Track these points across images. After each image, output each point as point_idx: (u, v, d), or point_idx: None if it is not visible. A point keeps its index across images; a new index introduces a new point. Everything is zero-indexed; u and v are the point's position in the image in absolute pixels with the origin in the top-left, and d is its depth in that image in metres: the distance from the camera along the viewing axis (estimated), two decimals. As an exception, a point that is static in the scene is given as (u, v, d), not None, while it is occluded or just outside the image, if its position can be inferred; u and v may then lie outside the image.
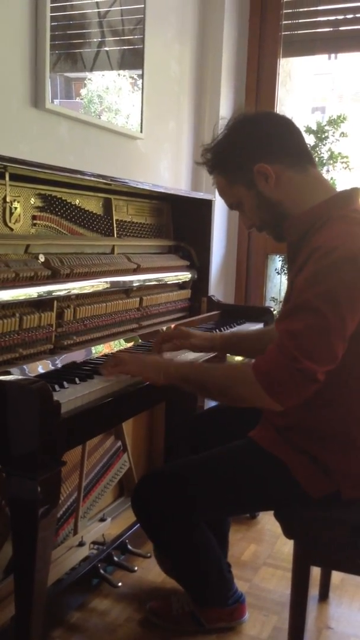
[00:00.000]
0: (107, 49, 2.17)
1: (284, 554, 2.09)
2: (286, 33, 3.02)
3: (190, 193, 2.49)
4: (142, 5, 2.34)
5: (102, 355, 1.67)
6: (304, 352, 1.23)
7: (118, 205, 2.02)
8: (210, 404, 2.36)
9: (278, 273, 3.26)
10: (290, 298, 1.38)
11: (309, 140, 2.91)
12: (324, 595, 1.87)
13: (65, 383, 1.33)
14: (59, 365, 1.51)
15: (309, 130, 2.93)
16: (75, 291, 1.64)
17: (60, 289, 1.57)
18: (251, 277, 3.22)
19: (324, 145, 2.96)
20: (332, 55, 3.52)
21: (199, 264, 2.36)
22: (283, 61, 3.08)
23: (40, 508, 1.14)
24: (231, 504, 1.48)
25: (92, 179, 1.70)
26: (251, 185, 1.40)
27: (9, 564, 1.56)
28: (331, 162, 2.95)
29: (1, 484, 1.37)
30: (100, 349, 1.70)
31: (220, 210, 2.87)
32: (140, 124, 2.39)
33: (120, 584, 1.77)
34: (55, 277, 1.56)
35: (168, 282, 2.18)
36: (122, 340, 1.81)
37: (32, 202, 1.63)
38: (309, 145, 1.48)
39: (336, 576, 1.93)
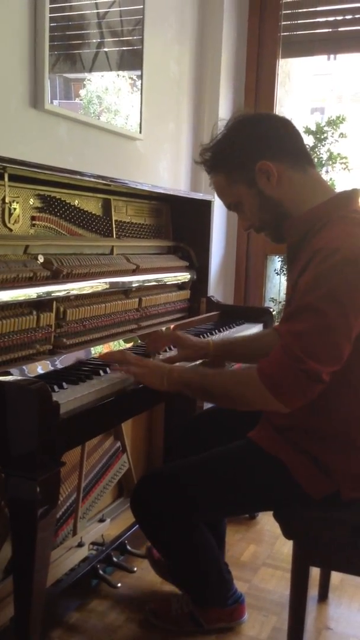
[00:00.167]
0: (106, 49, 2.17)
1: (284, 554, 2.09)
2: (285, 34, 3.03)
3: (189, 194, 2.49)
4: (141, 6, 2.34)
5: (101, 357, 1.68)
6: (308, 352, 1.22)
7: (117, 205, 2.02)
8: (209, 404, 2.36)
9: (277, 274, 3.26)
10: (291, 300, 1.38)
11: (308, 140, 2.91)
12: (323, 596, 1.87)
13: (64, 384, 1.33)
14: (59, 366, 1.51)
15: (308, 131, 2.93)
16: (75, 292, 1.64)
17: (59, 289, 1.57)
18: (250, 277, 3.22)
19: (323, 146, 2.96)
20: (331, 56, 3.52)
21: (198, 264, 2.37)
22: (282, 62, 3.08)
23: (39, 508, 1.14)
24: (230, 504, 1.48)
25: (92, 179, 1.70)
26: (252, 183, 1.40)
27: (8, 565, 1.56)
28: (330, 162, 2.95)
29: (0, 485, 1.37)
30: (99, 350, 1.70)
31: (219, 211, 2.87)
32: (140, 124, 2.39)
33: (119, 584, 1.77)
34: (54, 277, 1.56)
35: (167, 283, 2.18)
36: (121, 341, 1.81)
37: (31, 203, 1.63)
38: (307, 146, 1.48)
39: (335, 577, 1.93)
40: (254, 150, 1.39)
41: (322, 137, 2.94)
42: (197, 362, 1.71)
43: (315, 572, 1.70)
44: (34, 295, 1.48)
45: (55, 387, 1.30)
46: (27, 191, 1.61)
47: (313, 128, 2.95)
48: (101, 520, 1.93)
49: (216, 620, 1.67)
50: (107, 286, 1.78)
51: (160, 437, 2.38)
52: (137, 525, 1.84)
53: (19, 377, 1.31)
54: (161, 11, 2.51)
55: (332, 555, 1.39)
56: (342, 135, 2.93)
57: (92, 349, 1.68)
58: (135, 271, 1.95)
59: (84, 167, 1.83)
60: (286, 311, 1.36)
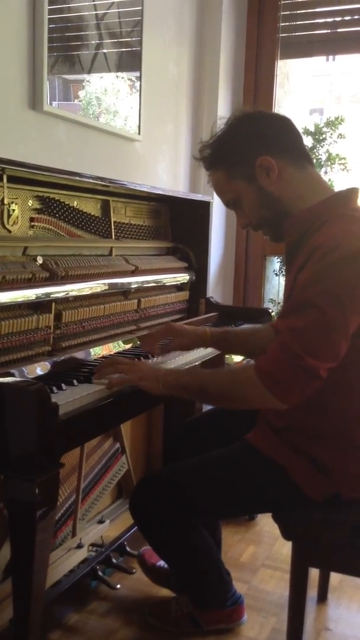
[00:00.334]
0: (105, 51, 2.17)
1: (283, 555, 2.09)
2: (284, 35, 3.03)
3: (188, 195, 2.49)
4: (140, 8, 2.34)
5: (100, 357, 1.68)
6: (306, 349, 1.23)
7: (116, 207, 2.02)
8: (208, 406, 2.36)
9: (276, 274, 3.26)
10: (290, 297, 1.38)
11: (307, 141, 2.91)
12: (322, 597, 1.87)
13: (63, 385, 1.33)
14: (58, 367, 1.51)
15: (307, 132, 2.93)
16: (74, 293, 1.64)
17: (58, 290, 1.56)
18: (249, 278, 3.22)
19: (322, 146, 2.95)
20: (330, 57, 3.52)
21: (197, 265, 2.37)
22: (281, 63, 3.09)
23: (38, 510, 1.14)
24: (229, 506, 1.48)
25: (90, 180, 1.70)
26: (252, 179, 1.39)
27: (7, 566, 1.56)
28: (329, 163, 2.95)
29: (-1, 486, 1.37)
30: (98, 351, 1.70)
31: (218, 212, 2.87)
32: (139, 125, 2.39)
33: (118, 586, 1.77)
34: (53, 279, 1.56)
35: (166, 284, 2.18)
36: (120, 342, 1.81)
37: (30, 204, 1.63)
38: (306, 147, 1.48)
39: (335, 577, 1.93)
40: (254, 146, 1.38)
41: (321, 138, 2.94)
42: (197, 363, 1.71)
43: (314, 573, 1.70)
44: (33, 297, 1.48)
45: (54, 389, 1.30)
46: (26, 192, 1.61)
47: (312, 129, 2.95)
48: (100, 522, 1.93)
49: (215, 622, 1.67)
50: (106, 287, 1.78)
51: (159, 439, 2.38)
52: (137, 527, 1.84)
53: (18, 379, 1.32)
54: (160, 12, 2.51)
55: (331, 556, 1.39)
56: (340, 136, 2.93)
57: (91, 350, 1.68)
58: (134, 272, 1.95)
59: (83, 168, 1.83)
60: (284, 307, 1.37)
